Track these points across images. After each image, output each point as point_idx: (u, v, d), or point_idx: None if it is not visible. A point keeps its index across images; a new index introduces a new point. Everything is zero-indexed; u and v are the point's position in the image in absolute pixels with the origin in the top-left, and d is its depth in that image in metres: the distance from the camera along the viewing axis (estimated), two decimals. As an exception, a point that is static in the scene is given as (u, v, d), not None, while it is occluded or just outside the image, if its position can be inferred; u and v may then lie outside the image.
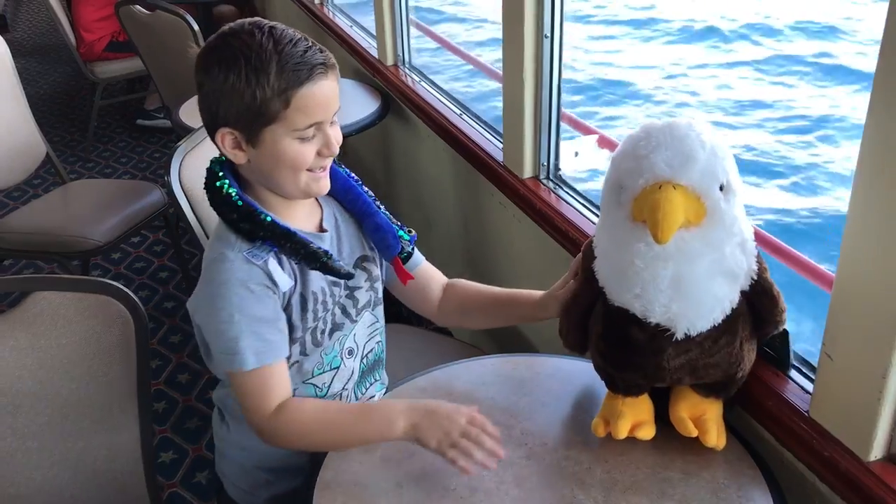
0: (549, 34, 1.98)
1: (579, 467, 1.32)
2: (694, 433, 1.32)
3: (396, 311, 1.65)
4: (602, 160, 2.19)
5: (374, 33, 3.28)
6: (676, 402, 1.36)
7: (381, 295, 1.53)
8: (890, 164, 1.07)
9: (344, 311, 1.44)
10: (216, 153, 1.36)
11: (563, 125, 2.13)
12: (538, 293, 1.51)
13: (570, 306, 1.42)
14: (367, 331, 1.51)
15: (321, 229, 1.42)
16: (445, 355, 1.81)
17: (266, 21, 1.28)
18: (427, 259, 1.58)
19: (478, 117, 2.55)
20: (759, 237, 1.32)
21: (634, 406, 1.36)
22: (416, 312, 1.62)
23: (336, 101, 1.30)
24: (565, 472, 1.31)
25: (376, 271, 1.50)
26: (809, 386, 1.33)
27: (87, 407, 1.45)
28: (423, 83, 2.94)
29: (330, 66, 1.28)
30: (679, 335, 1.27)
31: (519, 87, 2.05)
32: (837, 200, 5.22)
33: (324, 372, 1.44)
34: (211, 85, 1.26)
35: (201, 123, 1.95)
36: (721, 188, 1.22)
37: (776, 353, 1.40)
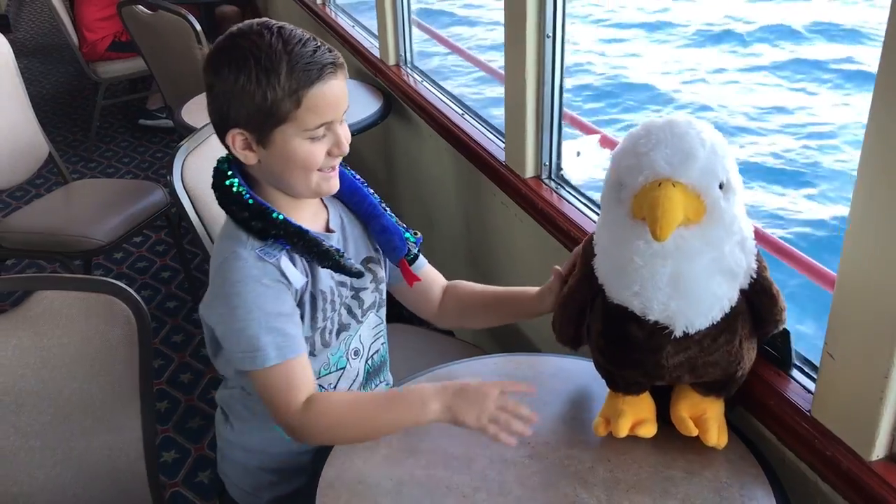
0: (550, 34, 1.98)
1: (582, 466, 1.32)
2: (694, 432, 1.32)
3: (398, 312, 1.65)
4: (604, 161, 2.19)
5: (376, 33, 3.28)
6: (677, 402, 1.36)
7: (384, 297, 1.53)
8: (891, 165, 1.07)
9: (350, 311, 1.44)
10: (219, 153, 1.36)
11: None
12: (535, 288, 1.51)
13: (567, 301, 1.42)
14: (372, 332, 1.51)
15: (328, 230, 1.43)
16: (447, 355, 1.81)
17: (274, 21, 1.28)
18: (429, 259, 1.58)
19: (480, 117, 2.55)
20: (758, 236, 1.32)
21: (635, 404, 1.36)
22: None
23: (345, 101, 1.30)
24: (568, 471, 1.31)
25: (381, 273, 1.51)
26: (811, 385, 1.33)
27: (89, 406, 1.45)
28: (425, 83, 2.95)
29: (339, 65, 1.28)
30: (678, 333, 1.27)
31: (521, 87, 2.05)
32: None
33: (330, 373, 1.44)
34: (221, 86, 1.26)
35: (203, 123, 1.99)
36: (721, 186, 1.22)
37: (778, 352, 1.40)
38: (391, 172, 3.46)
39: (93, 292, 1.40)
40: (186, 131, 2.64)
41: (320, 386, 1.43)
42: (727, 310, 1.27)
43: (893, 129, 1.06)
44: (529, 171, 2.13)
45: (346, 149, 1.31)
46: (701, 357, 1.29)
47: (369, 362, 1.52)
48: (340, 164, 1.40)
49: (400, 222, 1.48)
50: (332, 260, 1.33)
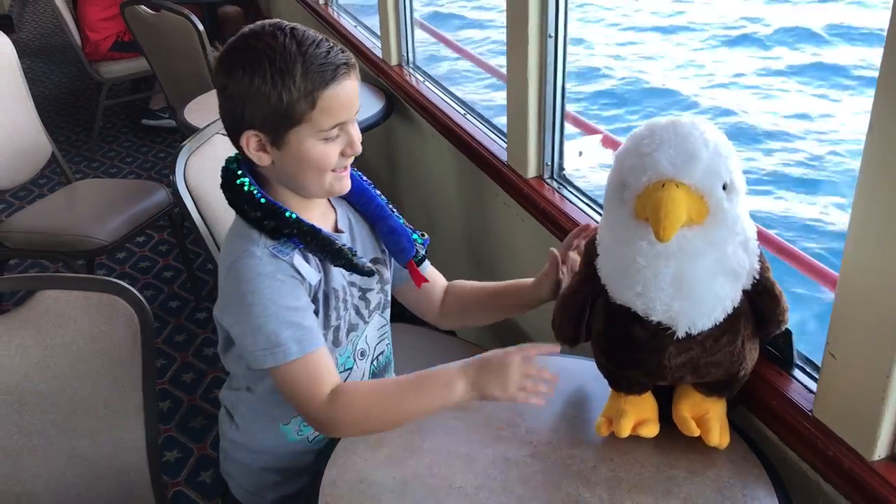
0: (553, 34, 1.98)
1: (584, 466, 1.32)
2: (696, 433, 1.32)
3: (400, 312, 1.66)
4: (606, 160, 2.19)
5: (379, 33, 3.29)
6: (679, 402, 1.36)
7: (389, 298, 1.53)
8: (893, 165, 1.07)
9: (357, 311, 1.44)
10: (221, 153, 1.36)
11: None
12: (531, 279, 1.51)
13: (568, 300, 1.42)
14: (377, 333, 1.51)
15: (336, 230, 1.43)
16: (449, 354, 1.81)
17: (286, 22, 1.28)
18: (431, 259, 1.58)
19: (482, 117, 2.56)
20: (761, 236, 1.32)
21: (637, 404, 1.37)
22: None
23: (357, 101, 1.31)
24: (570, 470, 1.32)
25: (387, 274, 1.51)
26: (813, 385, 1.34)
27: (92, 405, 1.45)
28: (427, 83, 2.95)
29: (351, 65, 1.28)
30: (680, 333, 1.27)
31: (523, 87, 2.05)
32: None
33: (338, 373, 1.44)
34: (235, 88, 1.25)
35: (206, 123, 1.99)
36: (724, 187, 1.22)
37: (779, 352, 1.40)
38: (393, 173, 3.46)
39: (95, 292, 1.40)
40: (189, 131, 2.64)
41: None
42: (730, 310, 1.27)
43: (894, 130, 1.06)
44: (531, 171, 2.14)
45: (359, 149, 1.32)
46: (703, 357, 1.29)
47: (374, 363, 1.52)
48: None
49: (407, 223, 1.48)
50: (344, 259, 1.33)
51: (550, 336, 1.48)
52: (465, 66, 5.31)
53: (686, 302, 1.24)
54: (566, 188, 2.08)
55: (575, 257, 1.52)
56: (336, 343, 1.41)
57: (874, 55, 7.43)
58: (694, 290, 1.24)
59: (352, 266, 1.35)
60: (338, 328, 1.40)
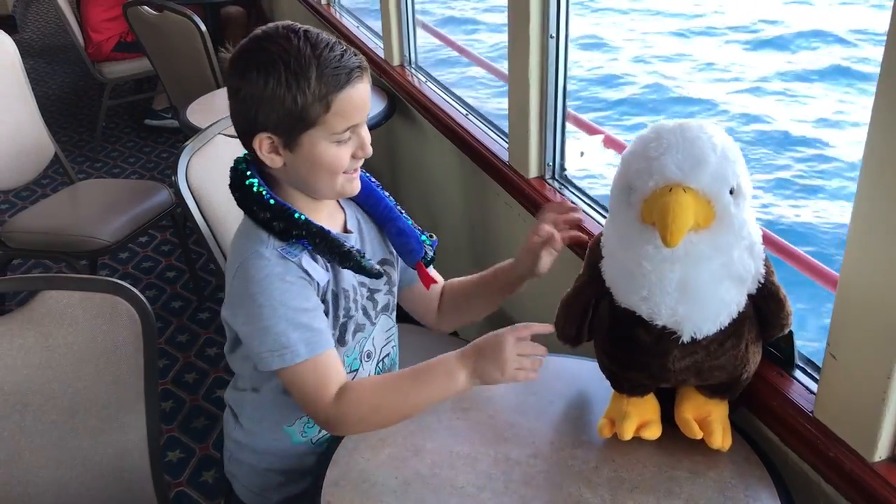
0: (554, 34, 1.98)
1: (586, 466, 1.32)
2: (699, 435, 1.32)
3: (404, 312, 1.66)
4: (607, 160, 2.19)
5: (381, 34, 3.29)
6: (681, 404, 1.36)
7: (396, 300, 1.54)
8: (894, 166, 1.07)
9: (365, 312, 1.45)
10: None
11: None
12: (510, 260, 1.52)
13: (572, 301, 1.42)
14: (384, 335, 1.52)
15: (345, 230, 1.43)
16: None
17: (299, 24, 1.28)
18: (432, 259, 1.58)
19: (483, 117, 2.56)
20: (766, 239, 1.32)
21: (640, 406, 1.36)
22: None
23: (369, 104, 1.31)
24: (572, 470, 1.32)
25: (395, 275, 1.51)
26: (814, 386, 1.33)
27: (94, 406, 1.45)
28: (429, 83, 2.95)
29: (364, 69, 1.29)
30: (685, 338, 1.27)
31: (524, 88, 2.06)
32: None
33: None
34: (249, 90, 1.25)
35: (208, 123, 1.99)
36: (731, 192, 1.21)
37: (781, 353, 1.40)
38: (395, 173, 3.46)
39: (97, 292, 1.41)
40: (191, 132, 2.64)
41: None
42: (735, 315, 1.27)
43: (895, 131, 1.06)
44: (533, 172, 2.14)
45: (370, 151, 1.32)
46: (707, 361, 1.29)
47: (380, 365, 1.52)
48: None
49: (415, 225, 1.48)
50: (353, 261, 1.34)
51: (553, 337, 1.48)
52: (479, 72, 5.28)
53: (691, 307, 1.24)
54: (567, 188, 2.08)
55: (548, 230, 1.50)
56: (342, 343, 1.41)
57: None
58: (699, 294, 1.23)
59: (360, 268, 1.35)
60: (345, 328, 1.40)
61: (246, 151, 1.34)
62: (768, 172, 5.78)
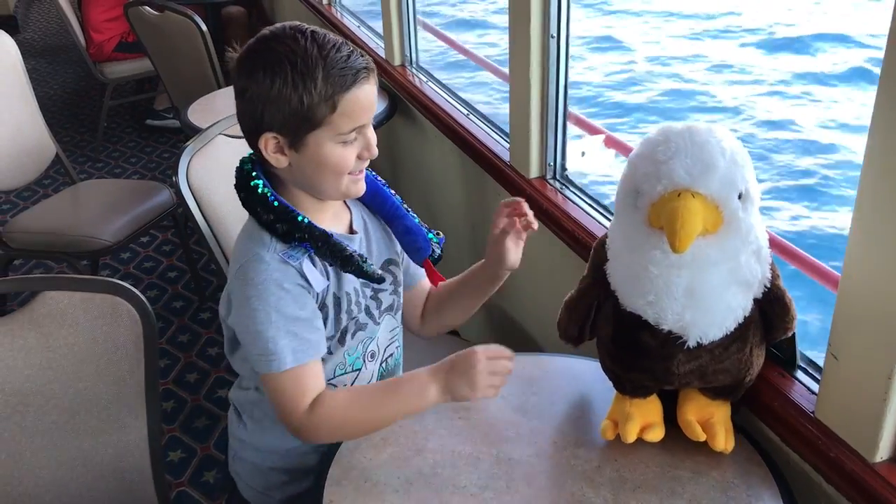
0: (555, 34, 1.98)
1: (588, 466, 1.32)
2: (702, 437, 1.32)
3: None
4: (608, 160, 2.19)
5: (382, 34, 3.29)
6: (684, 405, 1.36)
7: (402, 300, 1.53)
8: (895, 167, 1.07)
9: (368, 312, 1.45)
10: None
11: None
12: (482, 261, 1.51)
13: (576, 303, 1.42)
14: (388, 335, 1.52)
15: (351, 231, 1.43)
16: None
17: (306, 25, 1.28)
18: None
19: (485, 117, 2.56)
20: (772, 242, 1.31)
21: (643, 407, 1.36)
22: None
23: (375, 105, 1.32)
24: (574, 470, 1.32)
25: (400, 276, 1.51)
26: (815, 386, 1.33)
27: (95, 406, 1.45)
28: (430, 83, 2.95)
29: (371, 69, 1.29)
30: (691, 343, 1.26)
31: (525, 88, 2.05)
32: None
33: (345, 373, 1.44)
34: (256, 90, 1.25)
35: (209, 123, 1.99)
36: (739, 196, 1.20)
37: (783, 353, 1.39)
38: (396, 173, 3.46)
39: (98, 293, 1.41)
40: (192, 132, 2.65)
41: (334, 387, 1.43)
42: (741, 320, 1.26)
43: (897, 130, 1.06)
44: (534, 172, 2.14)
45: (376, 152, 1.32)
46: (711, 365, 1.29)
47: (384, 365, 1.52)
48: None
49: (422, 222, 1.48)
50: (355, 265, 1.34)
51: (555, 338, 1.48)
52: (490, 77, 5.24)
53: (698, 312, 1.23)
54: (568, 189, 2.08)
55: (505, 220, 1.45)
56: (342, 342, 1.41)
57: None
58: (706, 300, 1.23)
59: (362, 272, 1.35)
60: (347, 329, 1.41)
61: (251, 151, 1.34)
62: (794, 179, 5.67)
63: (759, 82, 7.36)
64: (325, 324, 1.36)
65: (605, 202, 1.98)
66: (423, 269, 1.56)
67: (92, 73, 4.86)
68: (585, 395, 1.50)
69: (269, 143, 1.29)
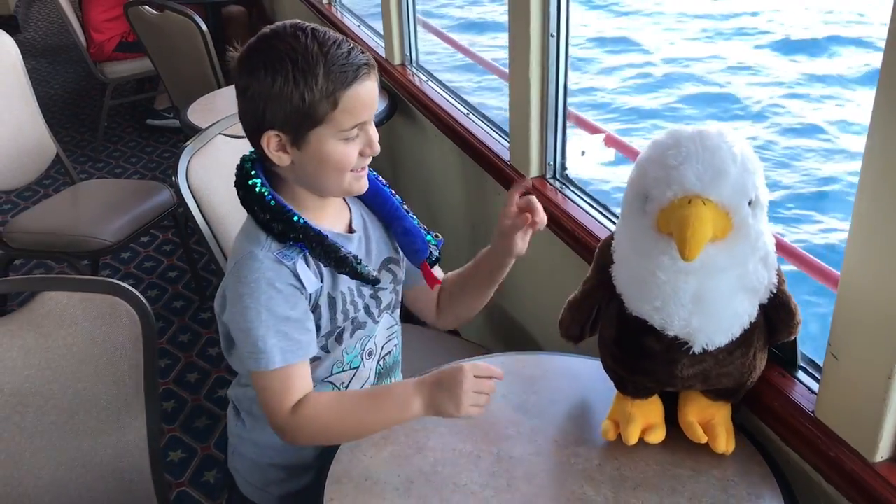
0: (555, 33, 1.98)
1: (589, 464, 1.32)
2: (703, 439, 1.32)
3: (405, 312, 1.66)
4: (608, 158, 2.19)
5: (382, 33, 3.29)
6: (685, 406, 1.35)
7: (400, 298, 1.53)
8: (894, 166, 1.07)
9: (368, 311, 1.45)
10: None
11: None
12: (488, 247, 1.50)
13: (580, 305, 1.41)
14: (385, 333, 1.51)
15: (350, 230, 1.43)
16: (453, 355, 1.81)
17: (306, 23, 1.28)
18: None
19: (485, 117, 2.55)
20: (778, 245, 1.30)
21: (644, 408, 1.36)
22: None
23: (377, 101, 1.31)
24: (575, 468, 1.32)
25: (400, 274, 1.51)
26: (815, 386, 1.33)
27: (94, 407, 1.45)
28: (430, 83, 2.95)
29: (372, 66, 1.29)
30: (697, 350, 1.25)
31: (525, 87, 2.05)
32: None
33: (343, 371, 1.45)
34: (257, 88, 1.26)
35: (209, 123, 1.99)
36: (749, 203, 1.19)
37: (784, 354, 1.39)
38: (396, 172, 3.46)
39: (97, 293, 1.41)
40: (192, 131, 2.64)
41: (332, 384, 1.44)
42: (746, 326, 1.26)
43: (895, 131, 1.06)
44: (534, 171, 2.13)
45: (378, 149, 1.32)
46: (715, 369, 1.28)
47: (381, 363, 1.52)
48: None
49: (422, 224, 1.48)
50: (349, 266, 1.34)
51: (555, 337, 1.47)
52: (496, 81, 5.21)
53: (705, 318, 1.23)
54: (568, 188, 2.08)
55: (515, 212, 1.43)
56: (339, 341, 1.41)
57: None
58: (714, 306, 1.22)
59: (356, 274, 1.35)
60: (343, 329, 1.41)
61: (252, 149, 1.35)
62: (816, 186, 5.50)
63: (779, 84, 7.18)
64: (318, 323, 1.36)
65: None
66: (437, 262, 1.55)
67: (92, 73, 4.86)
68: (586, 394, 1.50)
69: (271, 141, 1.29)
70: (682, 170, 1.18)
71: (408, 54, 3.14)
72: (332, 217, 1.40)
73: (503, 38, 2.16)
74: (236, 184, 1.35)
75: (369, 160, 1.34)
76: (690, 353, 1.26)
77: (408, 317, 1.66)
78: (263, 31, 1.29)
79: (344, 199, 1.45)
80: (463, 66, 5.20)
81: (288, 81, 1.23)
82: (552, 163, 2.12)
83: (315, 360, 1.39)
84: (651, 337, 1.28)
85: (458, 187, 2.77)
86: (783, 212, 4.99)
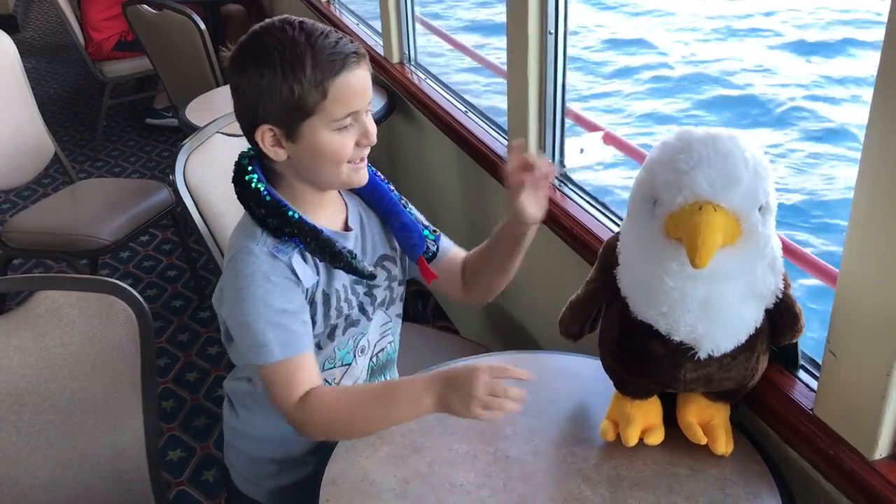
0: (553, 31, 1.97)
1: (586, 464, 1.32)
2: (703, 440, 1.31)
3: (402, 310, 1.65)
4: (607, 156, 2.18)
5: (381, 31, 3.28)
6: (685, 406, 1.35)
7: (396, 294, 1.52)
8: (893, 163, 1.06)
9: (362, 308, 1.44)
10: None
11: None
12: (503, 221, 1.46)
13: (583, 305, 1.40)
14: (379, 330, 1.51)
15: (346, 228, 1.43)
16: (451, 352, 1.81)
17: (295, 17, 1.29)
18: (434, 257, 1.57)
19: (483, 114, 2.55)
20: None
21: (643, 409, 1.35)
22: (429, 305, 1.60)
23: (370, 90, 1.31)
24: (572, 468, 1.31)
25: (395, 270, 1.50)
26: (814, 384, 1.32)
27: (91, 406, 1.45)
28: (428, 80, 2.94)
29: (361, 54, 1.28)
30: (702, 355, 1.24)
31: (523, 85, 2.05)
32: None
33: (334, 367, 1.44)
34: (248, 84, 1.26)
35: (206, 122, 1.99)
36: (759, 209, 1.17)
37: (784, 354, 1.38)
38: (395, 170, 3.45)
39: (94, 292, 1.40)
40: (191, 130, 2.64)
41: (323, 380, 1.43)
42: (752, 332, 1.25)
43: (894, 128, 1.05)
44: (533, 169, 2.12)
45: (374, 139, 1.32)
46: (718, 373, 1.28)
47: (373, 360, 1.52)
48: None
49: (419, 218, 1.47)
50: (343, 261, 1.33)
51: (554, 335, 1.47)
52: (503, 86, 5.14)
53: (712, 325, 1.21)
54: (567, 186, 2.07)
55: (518, 178, 1.35)
56: (332, 338, 1.41)
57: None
58: (721, 313, 1.21)
59: (351, 269, 1.35)
60: (336, 325, 1.40)
61: (250, 146, 1.35)
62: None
63: (799, 86, 7.01)
64: (314, 319, 1.36)
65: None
66: (448, 242, 1.55)
67: (91, 72, 4.86)
68: (584, 393, 1.49)
69: (265, 136, 1.29)
70: (693, 175, 1.15)
71: (406, 52, 3.13)
72: (328, 214, 1.40)
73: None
74: (234, 180, 1.35)
75: (366, 151, 1.34)
76: (695, 358, 1.25)
77: (404, 315, 1.66)
78: (253, 28, 1.29)
79: (341, 196, 1.45)
80: (473, 69, 5.19)
81: (276, 74, 1.23)
82: (551, 161, 2.11)
83: None
84: (655, 341, 1.26)
85: (456, 186, 2.77)
86: (810, 221, 4.89)
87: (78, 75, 6.26)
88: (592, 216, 1.92)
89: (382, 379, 1.55)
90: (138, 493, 1.54)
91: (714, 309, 1.21)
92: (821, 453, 1.25)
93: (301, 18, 1.28)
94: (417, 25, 3.15)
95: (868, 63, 7.03)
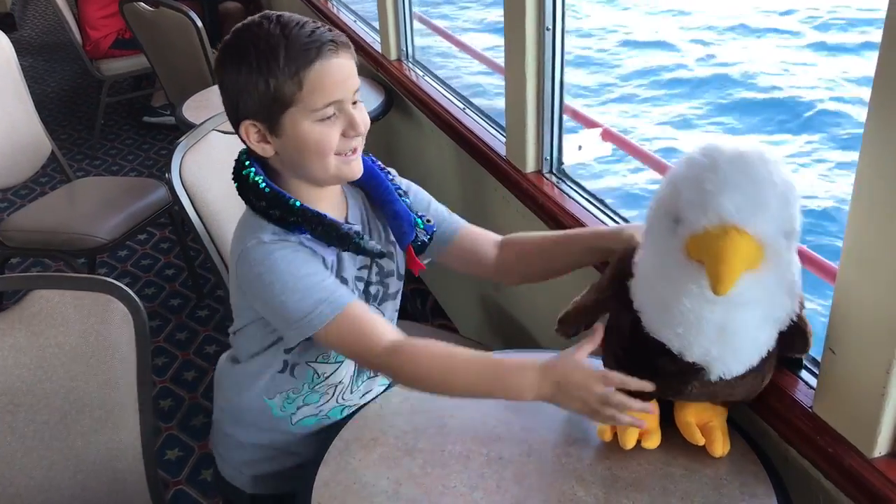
0: (550, 27, 1.96)
1: (580, 464, 1.31)
2: (701, 442, 1.30)
3: (402, 307, 1.64)
4: (604, 153, 2.17)
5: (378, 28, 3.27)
6: (683, 407, 1.33)
7: (391, 291, 1.51)
8: (892, 160, 1.06)
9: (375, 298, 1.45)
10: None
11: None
12: (603, 227, 1.45)
13: (590, 311, 1.37)
14: None
15: (346, 224, 1.42)
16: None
17: (275, 12, 1.29)
18: (427, 256, 1.56)
19: (481, 111, 2.54)
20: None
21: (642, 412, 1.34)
22: (428, 303, 1.60)
23: (353, 80, 1.30)
24: (566, 468, 1.30)
25: (389, 266, 1.50)
26: (813, 381, 1.32)
27: (87, 405, 1.44)
28: (426, 77, 2.93)
29: (340, 43, 1.27)
30: (713, 378, 1.22)
31: (521, 81, 2.04)
32: None
33: (327, 363, 1.44)
34: (229, 81, 1.27)
35: (203, 119, 1.98)
36: (785, 234, 1.13)
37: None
38: (393, 167, 3.45)
39: (89, 291, 1.40)
40: (188, 128, 2.62)
41: (313, 370, 1.44)
42: (765, 355, 1.22)
43: (893, 125, 1.04)
44: (530, 166, 2.12)
45: (362, 129, 1.31)
46: (725, 390, 1.26)
47: None
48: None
49: (415, 210, 1.46)
50: (351, 242, 1.33)
51: (550, 332, 1.46)
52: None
53: (727, 349, 1.18)
54: (565, 183, 2.06)
55: None
56: None
57: None
58: (738, 338, 1.18)
59: (359, 249, 1.34)
60: None
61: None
62: None
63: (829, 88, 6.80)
64: None
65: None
66: (458, 221, 1.54)
67: (89, 71, 4.85)
68: (581, 391, 1.48)
69: (250, 132, 1.29)
70: (719, 197, 1.10)
71: (404, 49, 3.12)
72: (327, 209, 1.38)
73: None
74: (233, 176, 1.35)
75: (356, 143, 1.32)
76: (705, 378, 1.23)
77: (403, 312, 1.65)
78: (236, 26, 1.30)
79: (343, 193, 1.44)
80: (486, 72, 5.16)
81: (252, 69, 1.24)
82: (549, 157, 2.10)
83: (301, 342, 1.36)
84: (666, 358, 1.23)
85: (454, 183, 2.76)
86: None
87: (75, 73, 6.25)
88: (591, 213, 1.91)
89: (366, 375, 1.52)
90: (135, 493, 1.53)
91: (730, 334, 1.17)
92: (820, 451, 1.24)
93: (282, 12, 1.28)
94: (422, 26, 3.14)
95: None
